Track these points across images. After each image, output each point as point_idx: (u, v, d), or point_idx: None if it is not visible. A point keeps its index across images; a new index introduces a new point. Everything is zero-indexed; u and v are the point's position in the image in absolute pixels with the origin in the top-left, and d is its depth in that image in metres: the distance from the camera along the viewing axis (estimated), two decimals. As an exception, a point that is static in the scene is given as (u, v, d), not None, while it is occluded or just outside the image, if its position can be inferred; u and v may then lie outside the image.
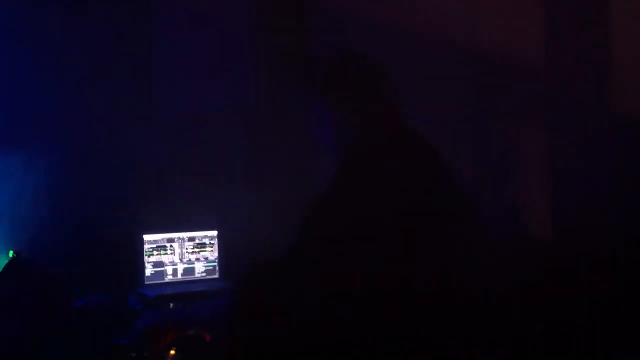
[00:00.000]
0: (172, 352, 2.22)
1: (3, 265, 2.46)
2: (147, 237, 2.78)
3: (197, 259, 2.86)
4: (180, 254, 2.83)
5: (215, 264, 2.89)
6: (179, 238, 2.83)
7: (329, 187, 1.69)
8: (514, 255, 2.83)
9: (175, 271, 2.82)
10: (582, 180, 3.05)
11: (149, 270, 2.77)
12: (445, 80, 3.07)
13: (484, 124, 3.15)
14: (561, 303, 2.66)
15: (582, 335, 2.55)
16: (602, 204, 3.01)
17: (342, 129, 1.85)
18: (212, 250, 2.88)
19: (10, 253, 2.47)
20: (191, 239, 2.85)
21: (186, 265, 2.84)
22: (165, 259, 2.81)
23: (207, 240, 2.88)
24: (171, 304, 2.64)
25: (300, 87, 2.02)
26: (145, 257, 2.77)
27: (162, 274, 2.80)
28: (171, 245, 2.82)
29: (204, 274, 2.87)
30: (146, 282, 2.76)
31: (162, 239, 2.81)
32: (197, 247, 2.86)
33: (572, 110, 3.11)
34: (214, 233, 2.89)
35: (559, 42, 3.17)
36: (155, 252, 2.79)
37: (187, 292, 2.72)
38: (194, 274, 2.85)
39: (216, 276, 2.88)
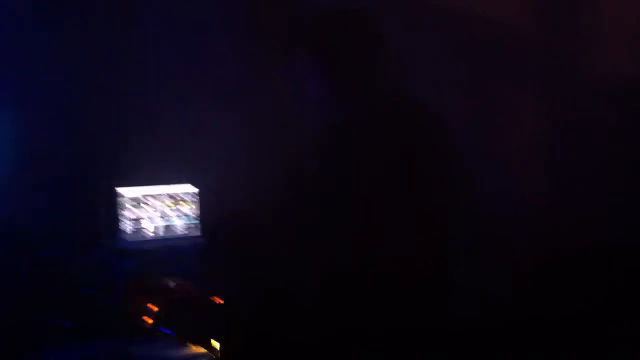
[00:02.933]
0: (155, 308, 2.17)
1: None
2: (123, 191, 2.71)
3: (178, 216, 2.81)
4: (159, 209, 2.77)
5: (197, 221, 2.84)
6: (158, 194, 2.77)
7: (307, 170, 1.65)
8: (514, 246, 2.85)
9: (154, 227, 2.76)
10: (575, 161, 3.06)
11: (128, 227, 2.71)
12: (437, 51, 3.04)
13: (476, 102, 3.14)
14: (558, 297, 2.68)
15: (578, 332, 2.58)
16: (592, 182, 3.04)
17: (330, 97, 1.75)
18: (193, 208, 2.83)
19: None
20: (171, 196, 2.80)
21: (165, 221, 2.79)
22: (144, 214, 2.74)
23: (188, 197, 2.83)
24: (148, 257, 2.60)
25: (288, 46, 1.91)
26: (123, 212, 2.70)
27: (141, 228, 2.74)
28: (150, 200, 2.75)
29: (185, 231, 2.81)
30: (125, 238, 2.69)
31: (141, 194, 2.74)
32: (177, 204, 2.81)
33: (562, 85, 3.12)
34: (195, 190, 2.84)
35: (548, 16, 3.19)
36: (133, 207, 2.72)
37: (166, 246, 2.69)
38: (174, 231, 2.79)
39: (198, 234, 2.83)
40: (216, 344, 2.07)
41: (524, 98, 3.19)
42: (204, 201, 2.84)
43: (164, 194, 2.78)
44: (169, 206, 2.79)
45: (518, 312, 2.61)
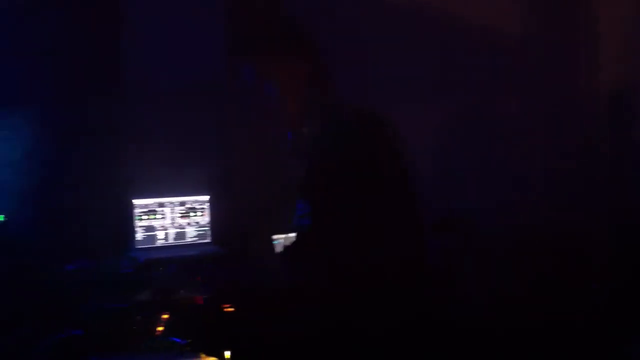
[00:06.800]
0: (166, 316, 2.22)
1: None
2: (137, 202, 2.76)
3: (189, 224, 2.84)
4: (172, 219, 2.82)
5: (207, 228, 2.87)
6: (169, 202, 2.81)
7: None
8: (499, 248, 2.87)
9: (166, 235, 2.80)
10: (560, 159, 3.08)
11: (140, 235, 2.75)
12: (419, 55, 3.06)
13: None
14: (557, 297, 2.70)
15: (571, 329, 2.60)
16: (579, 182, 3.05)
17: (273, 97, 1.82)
18: (203, 215, 2.87)
19: (1, 217, 2.44)
20: (182, 204, 2.83)
21: (177, 230, 2.83)
22: (156, 223, 2.79)
23: (198, 205, 2.86)
24: (161, 268, 2.64)
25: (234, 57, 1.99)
26: (136, 222, 2.75)
27: (153, 238, 2.78)
28: (162, 210, 2.80)
29: (196, 239, 2.85)
30: (137, 247, 2.74)
31: (153, 203, 2.78)
32: (188, 212, 2.84)
33: (551, 87, 3.13)
34: (206, 198, 2.87)
35: (540, 18, 3.19)
36: (145, 217, 2.77)
37: (178, 256, 2.71)
38: (185, 238, 2.84)
39: (208, 240, 2.87)
40: (227, 354, 2.12)
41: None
42: (215, 209, 2.88)
43: (176, 203, 2.82)
44: (180, 214, 2.83)
45: (517, 312, 2.63)
